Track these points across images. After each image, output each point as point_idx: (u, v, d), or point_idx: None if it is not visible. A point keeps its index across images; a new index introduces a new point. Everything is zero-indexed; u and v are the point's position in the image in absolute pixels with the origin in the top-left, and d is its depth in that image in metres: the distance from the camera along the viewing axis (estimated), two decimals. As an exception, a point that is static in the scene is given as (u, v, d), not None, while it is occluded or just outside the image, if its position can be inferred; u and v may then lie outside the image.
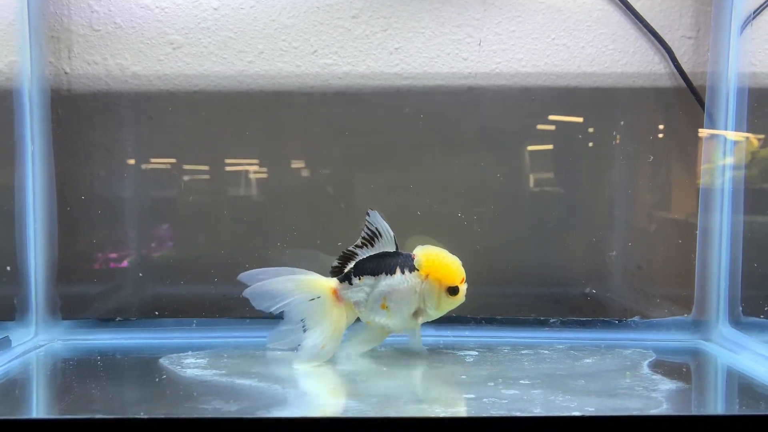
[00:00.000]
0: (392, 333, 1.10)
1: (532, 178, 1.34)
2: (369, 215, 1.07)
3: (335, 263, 1.10)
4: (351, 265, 1.09)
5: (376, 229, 1.07)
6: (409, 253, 1.08)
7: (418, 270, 1.06)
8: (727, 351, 1.19)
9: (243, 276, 1.06)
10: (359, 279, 1.07)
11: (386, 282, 1.06)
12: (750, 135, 1.25)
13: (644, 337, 1.25)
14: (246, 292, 1.06)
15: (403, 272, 1.06)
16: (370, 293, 1.07)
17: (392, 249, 1.08)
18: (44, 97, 1.25)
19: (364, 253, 1.08)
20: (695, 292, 1.28)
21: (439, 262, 1.06)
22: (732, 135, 1.24)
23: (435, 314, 1.08)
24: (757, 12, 1.26)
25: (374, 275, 1.07)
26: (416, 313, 1.07)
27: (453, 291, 1.06)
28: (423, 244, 1.09)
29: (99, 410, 0.86)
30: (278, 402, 0.89)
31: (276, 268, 1.07)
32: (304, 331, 1.05)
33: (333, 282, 1.08)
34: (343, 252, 1.10)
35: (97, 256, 1.30)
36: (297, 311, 1.06)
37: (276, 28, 1.30)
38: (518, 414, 0.84)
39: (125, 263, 1.31)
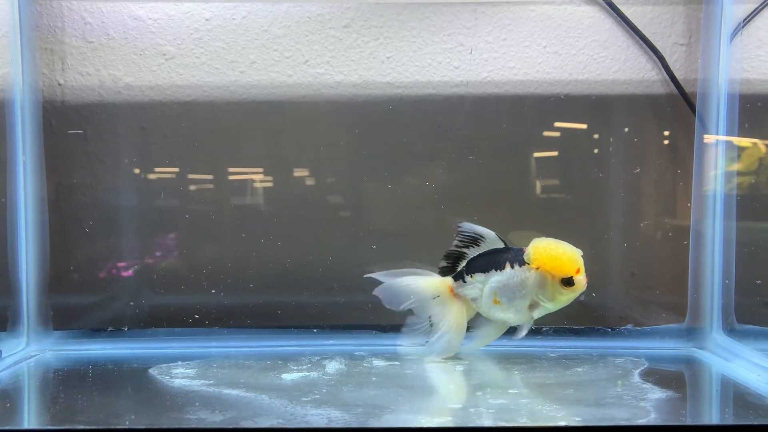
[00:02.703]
0: (512, 325, 1.13)
1: (524, 186, 1.34)
2: (461, 227, 1.13)
3: (443, 263, 1.14)
4: (463, 264, 1.13)
5: (475, 232, 1.12)
6: (522, 248, 1.09)
7: (528, 264, 1.07)
8: (721, 359, 1.18)
9: (368, 276, 1.14)
10: (471, 276, 1.12)
11: (496, 278, 1.09)
12: (758, 141, 1.24)
13: (638, 345, 1.24)
14: (376, 291, 1.13)
15: (512, 267, 1.09)
16: (482, 289, 1.10)
17: (501, 246, 1.11)
18: (37, 108, 1.26)
19: (473, 253, 1.12)
20: (689, 300, 1.27)
21: (549, 254, 1.07)
22: (725, 140, 1.24)
23: (552, 306, 1.09)
24: (746, 21, 1.25)
25: (484, 272, 1.11)
26: (532, 306, 1.09)
27: (568, 282, 1.06)
28: (534, 238, 1.11)
29: (83, 421, 0.86)
30: (264, 412, 0.89)
31: (398, 270, 1.14)
32: (431, 326, 1.12)
33: (449, 281, 1.13)
34: (447, 252, 1.13)
35: (89, 266, 1.30)
36: (422, 309, 1.13)
37: (268, 38, 1.30)
38: (503, 424, 0.84)
39: (117, 273, 1.31)
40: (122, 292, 1.30)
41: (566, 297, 1.07)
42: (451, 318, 1.12)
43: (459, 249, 1.13)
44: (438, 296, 1.13)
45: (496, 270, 1.10)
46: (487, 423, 0.84)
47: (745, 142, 1.25)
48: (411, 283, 1.13)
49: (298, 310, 1.30)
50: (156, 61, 1.30)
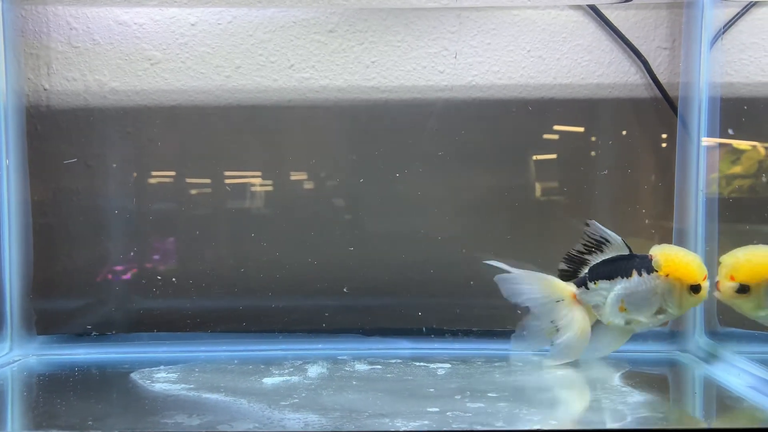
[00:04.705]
0: (634, 333, 1.12)
1: (508, 188, 1.34)
2: (588, 225, 1.11)
3: (563, 266, 1.14)
4: (585, 270, 1.12)
5: (601, 236, 1.11)
6: (646, 255, 1.09)
7: (656, 271, 1.07)
8: (703, 362, 1.18)
9: (491, 262, 1.13)
10: (594, 283, 1.10)
11: (622, 285, 1.09)
12: (757, 143, 1.25)
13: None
14: (498, 279, 1.12)
15: (640, 274, 1.08)
16: (607, 296, 1.09)
17: (625, 252, 1.10)
18: (21, 112, 1.26)
19: (595, 259, 1.11)
20: (672, 303, 1.28)
21: (678, 261, 1.07)
22: (707, 143, 1.25)
23: (677, 313, 1.09)
24: (728, 25, 1.26)
25: (609, 279, 1.10)
26: (658, 313, 1.09)
27: (695, 289, 1.06)
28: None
29: (60, 425, 0.87)
30: (241, 416, 0.89)
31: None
32: (557, 330, 1.11)
33: (572, 286, 1.12)
34: (568, 255, 1.13)
35: (73, 270, 1.30)
36: (545, 311, 1.12)
37: (253, 43, 1.31)
38: (479, 428, 0.84)
39: (102, 278, 1.31)
40: (106, 296, 1.30)
41: (691, 304, 1.08)
42: (578, 324, 1.11)
43: (581, 255, 1.12)
44: (562, 300, 1.11)
45: (622, 277, 1.09)
46: (463, 426, 0.84)
47: (736, 144, 1.26)
48: (538, 281, 1.11)
49: (283, 315, 1.31)
50: (141, 66, 1.30)
